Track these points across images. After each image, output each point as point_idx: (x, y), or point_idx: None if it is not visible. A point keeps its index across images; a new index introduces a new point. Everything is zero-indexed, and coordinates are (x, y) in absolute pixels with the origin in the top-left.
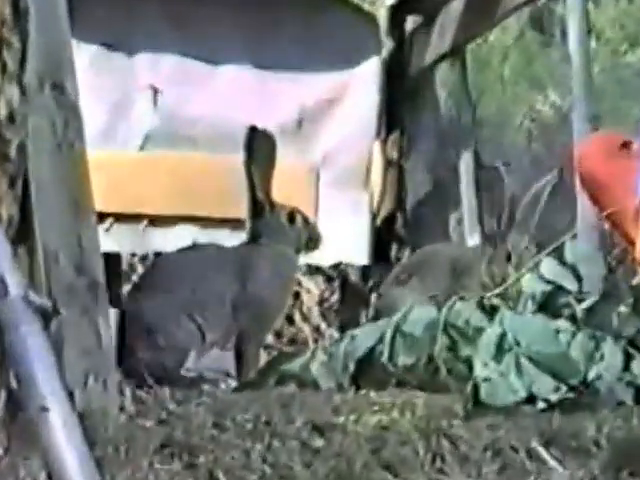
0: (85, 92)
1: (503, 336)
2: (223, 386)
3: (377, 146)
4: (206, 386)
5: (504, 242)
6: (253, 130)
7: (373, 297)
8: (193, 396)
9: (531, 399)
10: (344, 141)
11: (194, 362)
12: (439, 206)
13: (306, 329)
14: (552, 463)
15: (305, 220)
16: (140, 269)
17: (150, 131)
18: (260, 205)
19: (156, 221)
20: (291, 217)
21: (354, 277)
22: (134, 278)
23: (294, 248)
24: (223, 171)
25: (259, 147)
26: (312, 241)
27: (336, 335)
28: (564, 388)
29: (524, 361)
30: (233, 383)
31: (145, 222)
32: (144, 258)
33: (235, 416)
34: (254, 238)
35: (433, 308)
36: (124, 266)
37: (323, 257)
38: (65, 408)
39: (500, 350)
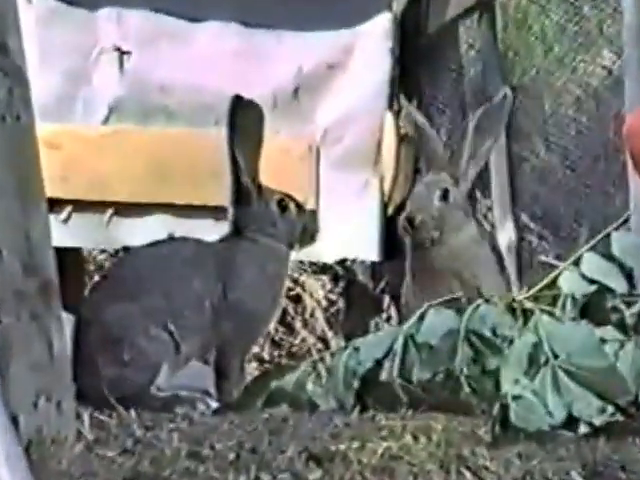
0: (35, 54)
1: (537, 346)
2: (201, 408)
3: (389, 119)
4: (181, 408)
5: (541, 233)
6: (237, 100)
7: (386, 299)
8: (165, 420)
9: (571, 422)
10: (349, 113)
11: (166, 379)
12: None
13: (309, 338)
14: None
15: (299, 208)
16: None
17: (115, 101)
18: (245, 190)
19: (124, 210)
20: (282, 205)
21: (362, 276)
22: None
23: (286, 242)
24: (204, 149)
25: (244, 120)
26: (307, 234)
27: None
28: (611, 409)
29: (562, 376)
30: (213, 404)
31: (110, 211)
32: (115, 255)
33: (215, 444)
34: (238, 230)
35: (452, 312)
36: (90, 264)
37: (324, 253)
38: (7, 437)
39: (534, 363)
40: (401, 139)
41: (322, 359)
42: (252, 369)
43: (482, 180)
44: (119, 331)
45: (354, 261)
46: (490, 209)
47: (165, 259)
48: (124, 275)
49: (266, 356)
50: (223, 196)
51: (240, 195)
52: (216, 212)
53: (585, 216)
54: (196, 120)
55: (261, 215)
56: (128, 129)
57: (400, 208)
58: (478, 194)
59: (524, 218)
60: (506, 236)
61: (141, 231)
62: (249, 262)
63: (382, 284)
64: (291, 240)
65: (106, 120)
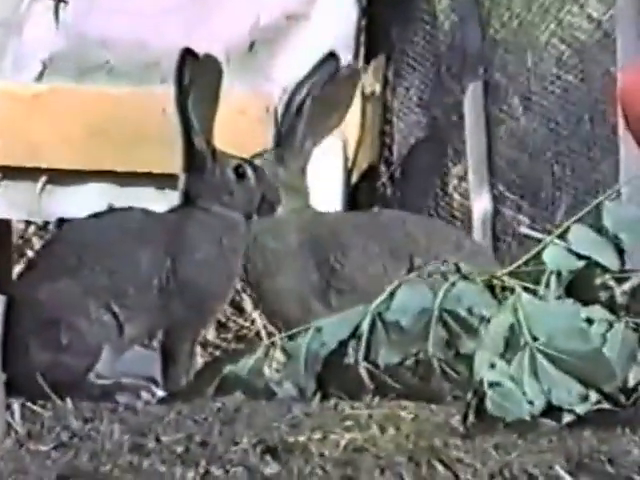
0: None
1: (515, 327)
2: (145, 397)
3: None
4: (122, 397)
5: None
6: (188, 55)
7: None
8: (105, 410)
9: (554, 411)
10: None
11: (108, 365)
12: (436, 157)
13: (259, 320)
14: None
15: (258, 175)
16: (37, 243)
17: (50, 56)
18: (199, 155)
19: (59, 178)
20: (240, 171)
21: None
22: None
23: (243, 213)
24: (149, 110)
25: (198, 78)
26: (267, 204)
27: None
28: (594, 397)
29: (542, 361)
30: (159, 392)
31: (44, 179)
32: (43, 227)
33: (161, 436)
34: (190, 200)
35: (426, 289)
36: (15, 238)
37: None
38: None
39: (511, 346)
40: (367, 98)
41: (278, 343)
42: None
43: (451, 145)
44: (56, 312)
45: None
46: (462, 178)
47: (107, 232)
48: (62, 250)
49: (211, 339)
50: (171, 162)
51: (193, 160)
52: (162, 180)
53: (568, 184)
54: (140, 78)
55: (216, 182)
56: (64, 87)
57: (366, 175)
58: (449, 163)
59: (499, 187)
60: (481, 207)
61: (78, 201)
62: (202, 234)
63: None
64: (249, 210)
65: (40, 77)
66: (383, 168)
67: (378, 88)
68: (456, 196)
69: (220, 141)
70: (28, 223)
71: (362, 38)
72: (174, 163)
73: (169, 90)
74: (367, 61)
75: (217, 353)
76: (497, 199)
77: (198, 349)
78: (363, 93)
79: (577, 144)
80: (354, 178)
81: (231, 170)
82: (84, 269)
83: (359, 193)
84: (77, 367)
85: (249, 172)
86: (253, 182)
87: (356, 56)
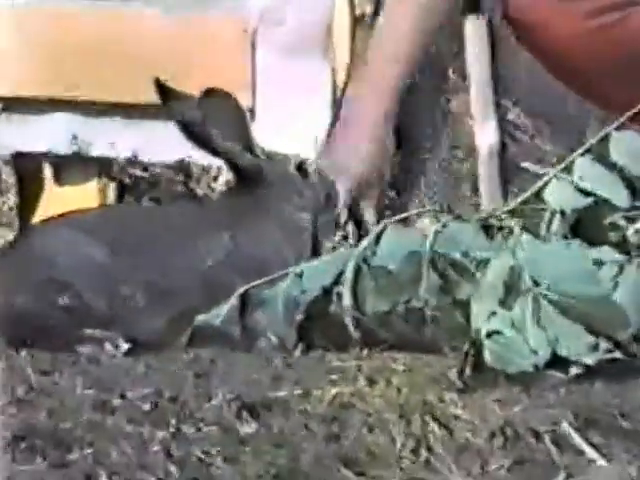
0: None
1: (516, 271)
2: (109, 349)
3: None
4: (84, 348)
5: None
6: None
7: (343, 215)
8: (65, 362)
9: (559, 362)
10: None
11: None
12: (433, 86)
13: None
14: (591, 454)
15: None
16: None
17: None
18: (254, 164)
19: (14, 106)
20: (302, 167)
21: None
22: None
23: (311, 213)
24: (121, 28)
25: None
26: (330, 201)
27: None
28: (606, 346)
29: (547, 307)
30: (124, 345)
31: None
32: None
33: (127, 391)
34: (256, 207)
35: (415, 230)
36: None
37: None
38: None
39: (512, 291)
40: (357, 20)
41: (253, 289)
42: None
43: (458, 72)
44: (68, 275)
45: None
46: (465, 108)
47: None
48: (100, 224)
49: None
50: (142, 91)
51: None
52: (131, 111)
53: (577, 113)
54: None
55: (282, 185)
56: (33, 5)
57: None
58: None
59: (510, 110)
60: (486, 139)
61: (37, 133)
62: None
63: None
64: (316, 209)
65: None
66: None
67: (369, 7)
68: (459, 129)
69: (195, 68)
70: None
71: None
72: (148, 91)
73: (143, 5)
74: None
75: None
76: (510, 124)
77: None
78: (353, 14)
79: None
80: None
81: (293, 168)
82: (120, 253)
83: None
84: (59, 320)
85: (311, 169)
86: (316, 179)
87: None
